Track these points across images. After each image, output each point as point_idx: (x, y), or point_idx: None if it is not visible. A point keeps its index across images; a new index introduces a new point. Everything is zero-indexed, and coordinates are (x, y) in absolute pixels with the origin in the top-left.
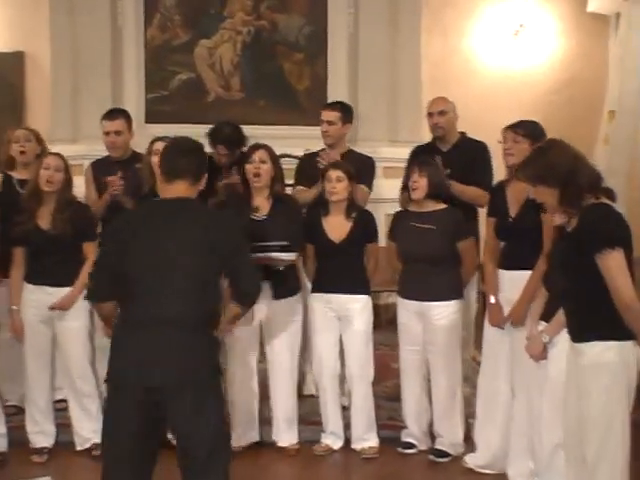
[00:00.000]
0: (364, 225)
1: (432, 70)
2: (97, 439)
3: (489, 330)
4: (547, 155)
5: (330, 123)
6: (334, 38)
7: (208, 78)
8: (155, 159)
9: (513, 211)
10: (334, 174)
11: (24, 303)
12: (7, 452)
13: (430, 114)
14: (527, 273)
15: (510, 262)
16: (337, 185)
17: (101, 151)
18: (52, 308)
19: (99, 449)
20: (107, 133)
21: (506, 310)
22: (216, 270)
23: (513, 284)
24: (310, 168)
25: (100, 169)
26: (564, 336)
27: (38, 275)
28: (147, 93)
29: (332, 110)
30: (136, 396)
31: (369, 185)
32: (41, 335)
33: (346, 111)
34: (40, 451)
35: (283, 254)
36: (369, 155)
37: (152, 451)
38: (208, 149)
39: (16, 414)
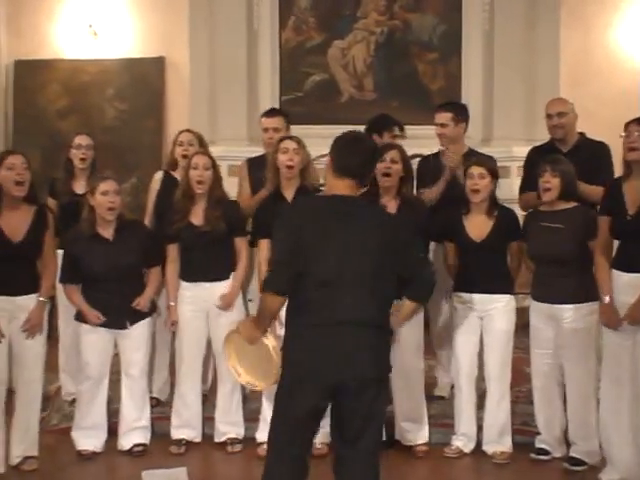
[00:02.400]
0: (506, 223)
1: (570, 66)
2: (233, 434)
3: (609, 334)
4: None
5: (443, 125)
6: (468, 36)
7: (341, 79)
8: (283, 157)
9: (631, 209)
10: (476, 171)
11: (180, 299)
12: (148, 443)
13: (549, 115)
14: None
15: (627, 263)
16: (479, 182)
17: (238, 152)
18: (220, 307)
19: (235, 445)
20: (266, 130)
21: (621, 313)
22: (392, 269)
23: (630, 287)
24: (430, 170)
25: (255, 166)
26: None
27: (193, 272)
28: (282, 95)
29: (444, 111)
30: (320, 393)
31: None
32: (196, 330)
33: (459, 110)
34: (179, 443)
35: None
36: (490, 155)
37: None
38: None
39: (155, 406)
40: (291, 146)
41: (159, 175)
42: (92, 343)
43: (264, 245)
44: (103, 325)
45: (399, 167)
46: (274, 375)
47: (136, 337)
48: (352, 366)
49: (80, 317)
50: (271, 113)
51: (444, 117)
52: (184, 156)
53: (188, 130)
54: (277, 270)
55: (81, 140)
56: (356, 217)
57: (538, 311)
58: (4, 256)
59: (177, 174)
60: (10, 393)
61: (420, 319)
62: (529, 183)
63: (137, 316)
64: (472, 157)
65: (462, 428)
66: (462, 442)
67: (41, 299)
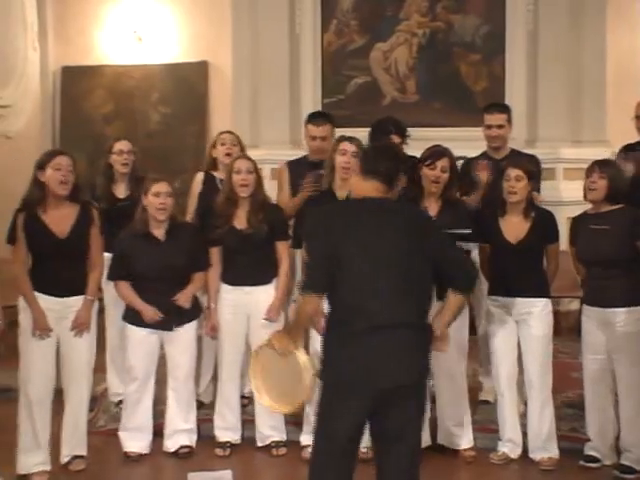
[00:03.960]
0: (544, 226)
1: (617, 66)
2: (277, 437)
3: None
4: None
5: (500, 127)
6: (512, 37)
7: (383, 81)
8: (341, 158)
9: None
10: (513, 173)
11: (221, 303)
12: (194, 446)
13: (638, 117)
14: None
15: None
16: (516, 184)
17: (280, 155)
18: (268, 315)
19: (279, 448)
20: (313, 138)
21: None
22: (426, 266)
23: None
24: (468, 174)
25: (295, 170)
26: None
27: (235, 275)
28: (324, 98)
29: (500, 112)
30: (366, 398)
31: (537, 186)
32: (236, 333)
33: (510, 112)
34: (223, 445)
35: (465, 243)
36: (533, 154)
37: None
38: None
39: (199, 408)
40: (350, 149)
41: (200, 176)
42: (138, 344)
43: None
44: (149, 326)
45: (448, 175)
46: (301, 397)
47: (182, 340)
48: (395, 371)
49: (128, 317)
50: (319, 121)
51: (501, 118)
52: (228, 154)
53: (229, 131)
54: (311, 271)
55: (122, 146)
56: (386, 217)
57: (590, 315)
58: (51, 252)
59: (218, 174)
60: (58, 393)
61: (465, 320)
62: None
63: (183, 318)
64: (514, 158)
65: (507, 434)
66: (508, 448)
67: (89, 298)
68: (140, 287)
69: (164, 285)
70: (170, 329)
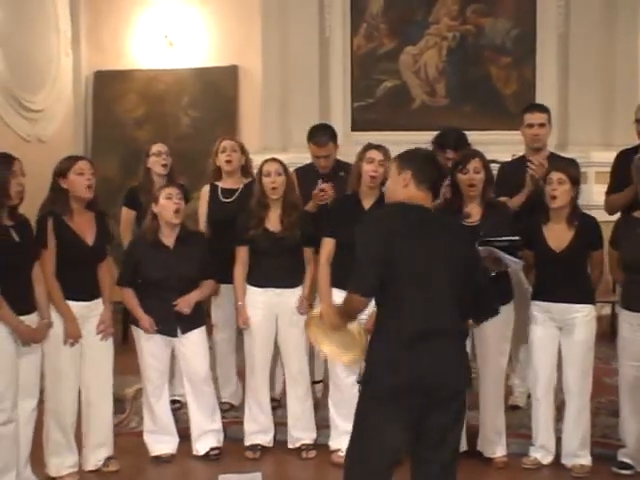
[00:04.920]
0: (587, 233)
1: None
2: (307, 440)
3: None
4: None
5: (542, 126)
6: (543, 39)
7: (413, 85)
8: (368, 167)
9: None
10: (555, 176)
11: (251, 305)
12: (222, 447)
13: (638, 120)
14: None
15: None
16: (558, 188)
17: (309, 159)
18: (301, 313)
19: (309, 451)
20: (317, 157)
21: None
22: (462, 284)
23: None
24: (511, 177)
25: (304, 176)
26: None
27: (265, 278)
28: (353, 101)
29: (542, 112)
30: (410, 409)
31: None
32: (267, 336)
33: (550, 113)
34: (254, 447)
35: (514, 259)
36: (572, 158)
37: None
38: None
39: (228, 410)
40: (378, 157)
41: (206, 189)
42: (148, 348)
43: (327, 243)
44: (157, 331)
45: (482, 175)
46: (359, 352)
47: (192, 344)
48: (445, 376)
49: (135, 321)
50: (320, 141)
51: (543, 117)
52: (228, 162)
53: (229, 137)
54: (363, 272)
55: (159, 147)
56: (436, 227)
57: (630, 321)
58: (79, 258)
59: (221, 183)
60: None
61: (509, 328)
62: (616, 186)
63: (189, 325)
64: (554, 161)
65: (540, 440)
66: (540, 454)
67: (108, 302)
68: (148, 293)
69: (172, 293)
70: (175, 335)
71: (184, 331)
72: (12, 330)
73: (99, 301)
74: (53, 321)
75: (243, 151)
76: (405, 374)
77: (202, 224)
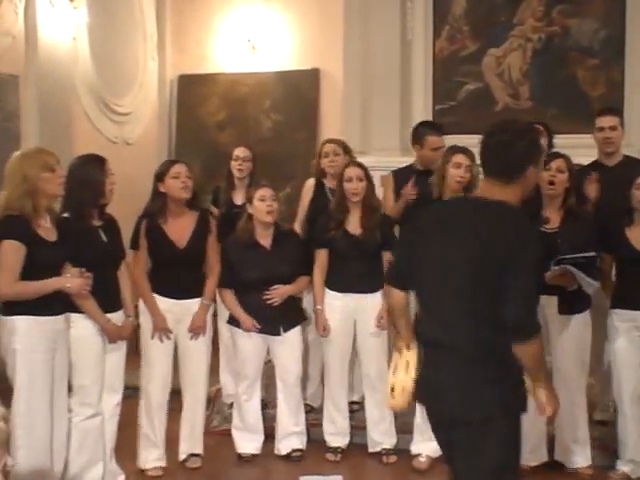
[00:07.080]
0: None
1: None
2: (387, 444)
3: None
4: None
5: (613, 129)
6: (633, 41)
7: (496, 87)
8: (455, 172)
9: None
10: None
11: (330, 309)
12: (304, 449)
13: None
14: None
15: None
16: (557, 175)
17: (390, 162)
18: (378, 322)
19: (390, 456)
20: (436, 149)
21: None
22: (492, 293)
23: None
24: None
25: (400, 178)
26: None
27: (344, 282)
28: (435, 104)
29: (614, 115)
30: (432, 423)
31: None
32: (345, 340)
33: (622, 116)
34: (334, 450)
35: (590, 282)
36: None
37: None
38: None
39: (309, 412)
40: (465, 162)
41: (311, 182)
42: (246, 347)
43: None
44: (257, 331)
45: (565, 177)
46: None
47: (289, 344)
48: (436, 402)
49: (233, 321)
50: (439, 132)
51: (614, 120)
52: (331, 165)
53: (331, 140)
54: (394, 266)
55: (239, 152)
56: (461, 225)
57: None
58: (171, 260)
59: (327, 181)
60: (176, 393)
61: (587, 337)
62: None
63: (290, 322)
64: (629, 165)
65: (629, 454)
66: (629, 468)
67: (205, 302)
68: (247, 294)
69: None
70: (278, 333)
71: (286, 329)
72: (99, 327)
73: (197, 301)
74: (144, 318)
75: (347, 151)
76: (417, 386)
77: (301, 215)
